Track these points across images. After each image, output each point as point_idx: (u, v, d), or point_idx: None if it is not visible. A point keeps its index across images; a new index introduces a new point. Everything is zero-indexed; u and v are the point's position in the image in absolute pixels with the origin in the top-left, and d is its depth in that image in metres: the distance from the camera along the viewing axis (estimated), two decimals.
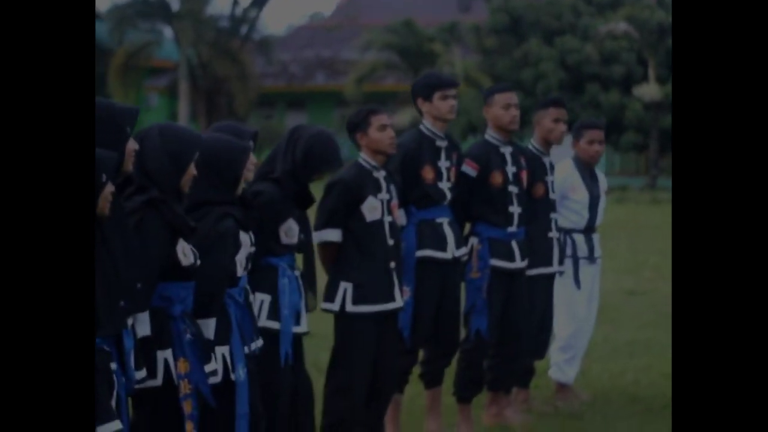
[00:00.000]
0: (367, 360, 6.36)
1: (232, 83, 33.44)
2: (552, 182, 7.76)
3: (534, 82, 32.72)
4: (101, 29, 35.62)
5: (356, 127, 6.43)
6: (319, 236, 6.32)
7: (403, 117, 29.11)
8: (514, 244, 7.27)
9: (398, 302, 6.44)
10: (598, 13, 33.72)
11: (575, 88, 32.79)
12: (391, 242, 6.43)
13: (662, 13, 32.59)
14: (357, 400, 6.37)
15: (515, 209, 7.27)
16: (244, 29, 39.84)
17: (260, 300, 5.78)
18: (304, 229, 5.96)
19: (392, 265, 6.42)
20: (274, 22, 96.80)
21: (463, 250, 7.07)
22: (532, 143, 7.81)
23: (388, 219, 6.42)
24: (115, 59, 33.83)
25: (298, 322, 5.86)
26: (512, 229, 7.26)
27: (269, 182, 5.90)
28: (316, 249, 6.28)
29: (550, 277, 7.83)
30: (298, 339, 5.92)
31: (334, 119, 39.57)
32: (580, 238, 8.14)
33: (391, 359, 6.51)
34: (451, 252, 6.93)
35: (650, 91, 31.43)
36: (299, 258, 6.04)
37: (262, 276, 5.78)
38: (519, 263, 7.29)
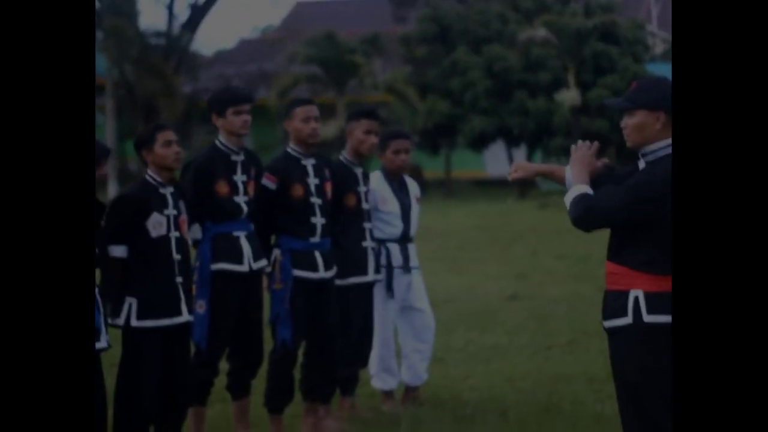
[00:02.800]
0: (154, 373, 6.44)
1: (157, 100, 33.42)
2: (365, 192, 7.87)
3: (462, 90, 32.85)
4: None
5: (143, 144, 6.53)
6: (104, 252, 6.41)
7: (328, 129, 29.16)
8: (317, 254, 7.37)
9: (185, 316, 6.52)
10: (525, 21, 33.90)
11: (503, 95, 32.94)
12: (177, 257, 6.51)
13: (582, 19, 32.82)
14: (146, 413, 6.46)
15: (318, 220, 7.37)
16: (180, 45, 39.88)
17: None
18: (97, 242, 6.04)
19: (179, 279, 6.51)
20: (224, 35, 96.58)
21: (263, 262, 7.16)
22: (344, 154, 7.92)
23: (174, 234, 6.51)
24: None
25: (97, 338, 5.93)
26: (315, 239, 7.36)
27: None
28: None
29: (367, 286, 7.93)
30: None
31: (278, 133, 39.60)
32: (395, 248, 8.24)
33: (182, 372, 6.60)
34: (248, 264, 7.03)
35: (571, 96, 31.62)
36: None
37: None
38: (323, 273, 7.39)
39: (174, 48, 39.44)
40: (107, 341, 6.03)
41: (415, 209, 8.40)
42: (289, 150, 7.45)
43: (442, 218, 24.97)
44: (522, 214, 25.98)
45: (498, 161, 35.72)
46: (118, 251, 6.43)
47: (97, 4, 36.74)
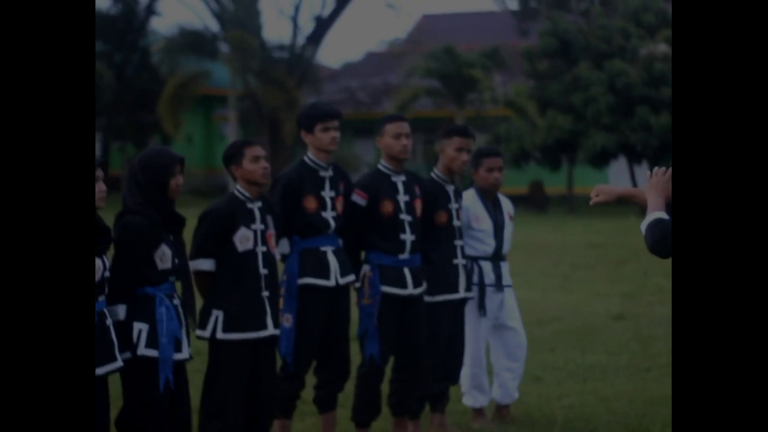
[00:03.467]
0: (239, 385, 6.53)
1: (280, 113, 33.81)
2: (456, 209, 7.89)
3: (584, 106, 32.59)
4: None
5: (231, 159, 6.64)
6: (192, 265, 6.52)
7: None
8: (406, 271, 7.41)
9: (270, 330, 6.60)
10: (647, 36, 33.53)
11: (625, 111, 32.60)
12: (264, 271, 6.60)
13: None
14: (230, 424, 6.55)
15: (407, 237, 7.41)
16: (304, 57, 40.33)
17: (138, 329, 5.97)
18: (179, 253, 6.13)
19: (265, 293, 6.60)
20: (352, 47, 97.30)
21: (351, 278, 7.22)
22: (435, 172, 7.95)
23: (261, 249, 6.60)
24: (165, 89, 34.41)
25: (179, 349, 6.05)
26: (404, 256, 7.40)
27: (132, 214, 6.10)
28: (192, 276, 6.50)
29: (457, 303, 7.94)
30: (179, 365, 6.11)
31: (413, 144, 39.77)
32: (487, 266, 8.24)
33: (267, 385, 6.68)
34: (335, 279, 7.10)
35: None
36: (180, 286, 6.25)
37: (140, 305, 5.98)
38: (412, 290, 7.43)
39: (298, 61, 39.88)
40: (189, 352, 6.13)
41: (508, 227, 8.39)
42: (380, 167, 7.51)
43: (560, 235, 24.88)
44: (638, 231, 25.66)
45: (621, 178, 35.35)
46: (206, 265, 6.55)
47: (221, 17, 37.39)
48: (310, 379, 7.39)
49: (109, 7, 40.87)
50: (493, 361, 8.55)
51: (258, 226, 6.62)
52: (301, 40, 41.95)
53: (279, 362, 7.07)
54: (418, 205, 7.53)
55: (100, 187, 5.64)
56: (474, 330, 8.25)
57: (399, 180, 7.47)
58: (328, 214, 7.13)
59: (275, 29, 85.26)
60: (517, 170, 34.47)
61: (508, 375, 8.47)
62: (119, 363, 5.77)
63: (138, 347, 5.94)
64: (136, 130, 40.21)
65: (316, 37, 42.22)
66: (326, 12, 42.95)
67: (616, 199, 5.56)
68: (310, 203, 7.09)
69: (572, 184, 35.53)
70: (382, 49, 52.89)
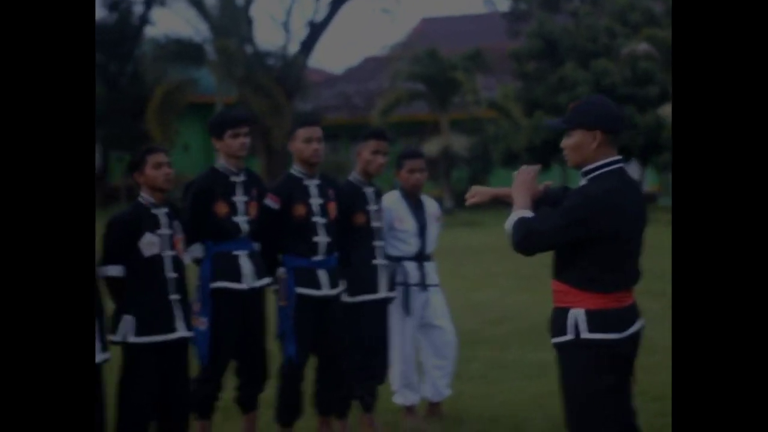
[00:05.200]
0: (150, 388, 6.68)
1: (266, 119, 33.97)
2: (375, 211, 8.00)
3: None
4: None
5: (135, 166, 6.79)
6: (101, 272, 6.67)
7: (431, 146, 29.31)
8: (321, 272, 7.53)
9: (181, 332, 6.74)
10: (633, 34, 33.64)
11: None
12: (172, 275, 6.74)
13: None
14: (143, 427, 6.69)
15: (321, 239, 7.53)
16: (297, 63, 40.45)
17: None
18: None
19: (174, 297, 6.74)
20: (351, 53, 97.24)
21: (266, 281, 7.35)
22: (354, 174, 8.07)
23: (169, 253, 6.74)
24: (153, 98, 34.59)
25: None
26: (318, 258, 7.52)
27: None
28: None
29: (379, 303, 8.05)
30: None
31: (396, 150, 39.80)
32: (411, 266, 8.36)
33: (179, 386, 6.82)
34: (248, 282, 7.23)
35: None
36: None
37: None
38: (327, 291, 7.54)
39: (290, 66, 40.01)
40: (109, 354, 6.31)
41: (432, 228, 8.51)
42: (292, 171, 7.64)
43: None
44: None
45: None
46: (114, 271, 6.69)
47: (208, 25, 37.55)
48: (233, 381, 7.53)
49: (104, 17, 41.06)
50: (423, 360, 8.67)
51: (164, 231, 6.76)
52: (294, 46, 42.12)
53: (196, 365, 7.22)
54: (332, 207, 7.65)
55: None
56: (400, 329, 8.37)
57: (312, 183, 7.60)
58: (240, 219, 7.27)
59: (270, 36, 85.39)
60: (509, 171, 34.54)
61: (438, 373, 8.59)
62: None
63: None
64: (132, 140, 40.35)
65: (309, 43, 42.36)
66: (319, 17, 43.12)
67: (490, 199, 5.70)
68: (221, 208, 7.22)
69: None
70: (383, 54, 53.01)
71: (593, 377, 5.16)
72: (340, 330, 7.71)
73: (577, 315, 5.18)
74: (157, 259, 6.72)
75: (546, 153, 34.00)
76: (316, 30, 43.06)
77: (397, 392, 8.54)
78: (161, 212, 6.80)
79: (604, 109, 5.19)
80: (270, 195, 7.49)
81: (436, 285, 8.54)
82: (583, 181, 5.28)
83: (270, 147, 34.49)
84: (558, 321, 5.27)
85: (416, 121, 36.56)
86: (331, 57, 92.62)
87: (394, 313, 8.28)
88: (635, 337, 5.27)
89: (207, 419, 7.36)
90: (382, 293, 8.02)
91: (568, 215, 5.10)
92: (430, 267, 8.48)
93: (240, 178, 7.33)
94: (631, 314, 5.23)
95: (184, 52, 35.92)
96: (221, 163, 7.33)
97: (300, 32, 44.08)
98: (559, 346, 5.29)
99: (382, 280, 8.01)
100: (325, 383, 7.75)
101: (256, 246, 7.39)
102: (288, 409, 7.61)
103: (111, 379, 6.75)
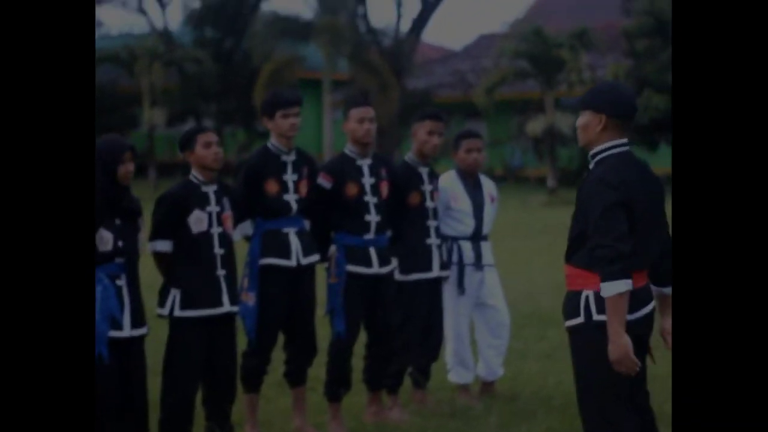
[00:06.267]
0: (195, 361, 6.87)
1: (374, 96, 34.09)
2: (431, 191, 8.12)
3: None
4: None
5: (185, 145, 6.98)
6: (151, 246, 6.87)
7: (537, 124, 29.21)
8: (372, 250, 7.67)
9: (227, 307, 6.91)
10: None
11: None
12: (220, 251, 6.92)
13: None
14: (188, 397, 6.89)
15: (372, 218, 7.66)
16: (408, 41, 40.53)
17: None
18: (126, 237, 6.44)
19: (221, 272, 6.92)
20: (468, 30, 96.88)
21: (314, 258, 7.50)
22: (409, 155, 8.19)
23: (217, 230, 6.93)
24: (261, 74, 34.96)
25: (117, 327, 6.40)
26: (369, 236, 7.66)
27: None
28: (152, 258, 6.88)
29: (432, 282, 8.17)
30: (127, 343, 6.46)
31: (513, 127, 39.69)
32: (466, 245, 8.45)
33: (226, 360, 7.00)
34: (296, 259, 7.39)
35: None
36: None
37: None
38: (377, 269, 7.67)
39: (400, 44, 40.10)
40: (137, 332, 6.48)
41: (489, 208, 8.58)
42: (346, 151, 7.77)
43: None
44: None
45: None
46: (163, 246, 6.89)
47: (318, 1, 37.81)
48: (283, 356, 7.70)
49: None
50: (478, 339, 8.76)
51: (213, 208, 6.94)
52: (406, 23, 42.12)
53: (245, 340, 7.41)
54: (385, 187, 7.77)
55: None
56: (454, 308, 8.47)
57: (364, 163, 7.73)
58: (290, 197, 7.42)
59: (384, 13, 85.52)
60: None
61: (492, 352, 8.67)
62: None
63: None
64: (245, 115, 40.88)
65: (422, 20, 42.33)
66: None
67: None
68: (272, 187, 7.38)
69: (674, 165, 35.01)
70: (503, 30, 52.73)
71: (605, 359, 5.20)
72: (392, 307, 7.83)
73: (588, 297, 5.23)
74: (205, 236, 6.89)
75: (653, 132, 33.59)
76: (428, 7, 43.03)
77: (452, 370, 8.65)
78: (210, 189, 6.97)
79: (612, 94, 5.28)
80: (323, 174, 7.64)
81: (491, 265, 8.61)
82: (591, 165, 5.35)
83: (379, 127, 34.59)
84: (570, 304, 5.32)
85: (521, 99, 36.41)
86: (452, 33, 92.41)
87: (449, 291, 8.38)
88: (648, 318, 5.30)
89: (255, 392, 7.54)
90: (436, 272, 8.13)
91: (602, 208, 5.11)
92: (485, 247, 8.56)
93: (290, 158, 7.49)
94: (644, 295, 5.26)
95: (292, 28, 36.24)
96: (273, 142, 7.49)
97: (414, 9, 43.97)
98: (572, 330, 5.34)
99: (436, 260, 8.12)
100: (375, 359, 7.89)
101: (306, 224, 7.54)
102: (337, 384, 7.75)
103: (158, 351, 6.97)
